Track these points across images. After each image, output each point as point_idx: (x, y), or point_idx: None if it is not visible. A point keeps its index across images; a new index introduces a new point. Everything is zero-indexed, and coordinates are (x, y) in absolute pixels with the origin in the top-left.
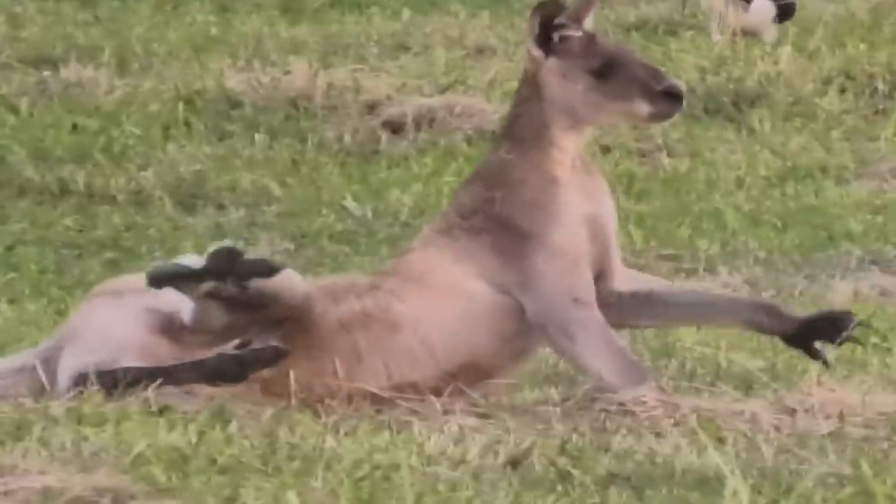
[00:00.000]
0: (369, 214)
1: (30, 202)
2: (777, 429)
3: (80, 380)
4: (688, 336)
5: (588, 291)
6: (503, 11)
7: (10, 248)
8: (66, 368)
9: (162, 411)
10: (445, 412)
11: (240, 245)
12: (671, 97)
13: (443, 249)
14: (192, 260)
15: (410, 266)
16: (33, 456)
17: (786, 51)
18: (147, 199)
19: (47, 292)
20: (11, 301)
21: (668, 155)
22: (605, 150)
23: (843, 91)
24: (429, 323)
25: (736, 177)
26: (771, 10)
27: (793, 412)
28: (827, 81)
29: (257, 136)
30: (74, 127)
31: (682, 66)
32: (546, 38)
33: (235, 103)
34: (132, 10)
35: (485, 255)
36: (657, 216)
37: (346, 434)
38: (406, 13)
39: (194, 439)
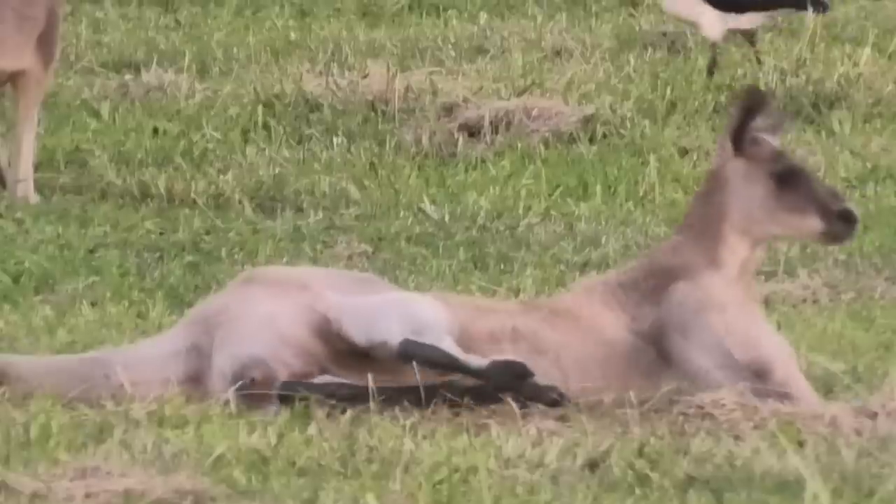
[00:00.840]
0: (447, 217)
1: (111, 206)
2: (858, 433)
3: (243, 372)
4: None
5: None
6: (580, 14)
7: (91, 251)
8: (227, 358)
9: (242, 414)
10: (523, 415)
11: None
12: (847, 220)
13: (593, 294)
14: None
15: (561, 302)
16: (115, 458)
17: (865, 52)
18: (227, 203)
19: (128, 295)
20: (93, 304)
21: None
22: (683, 152)
23: None
24: (569, 354)
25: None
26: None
27: (874, 415)
28: None
29: (335, 140)
30: (155, 131)
31: (763, 69)
32: (741, 134)
33: (314, 107)
34: (212, 14)
35: (633, 305)
36: None
37: (424, 437)
38: (483, 16)
39: (274, 441)
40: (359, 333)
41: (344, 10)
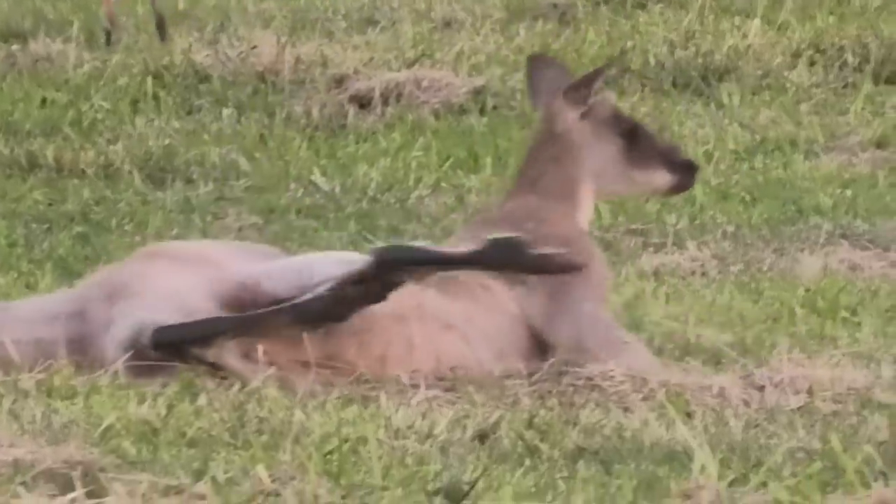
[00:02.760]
0: (337, 189)
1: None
2: (746, 403)
3: (142, 334)
4: (656, 310)
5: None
6: None
7: None
8: (127, 320)
9: (131, 384)
10: (413, 386)
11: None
12: (690, 169)
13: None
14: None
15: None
16: (4, 428)
17: (755, 24)
18: (116, 173)
19: (17, 266)
20: None
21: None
22: None
23: (812, 64)
24: (475, 329)
25: (704, 151)
26: None
27: (762, 387)
28: (796, 55)
29: (225, 111)
30: (44, 101)
31: (651, 40)
32: (586, 95)
33: (203, 77)
34: None
35: (522, 287)
36: None
37: (314, 408)
38: None
39: (164, 412)
40: (289, 289)
41: None
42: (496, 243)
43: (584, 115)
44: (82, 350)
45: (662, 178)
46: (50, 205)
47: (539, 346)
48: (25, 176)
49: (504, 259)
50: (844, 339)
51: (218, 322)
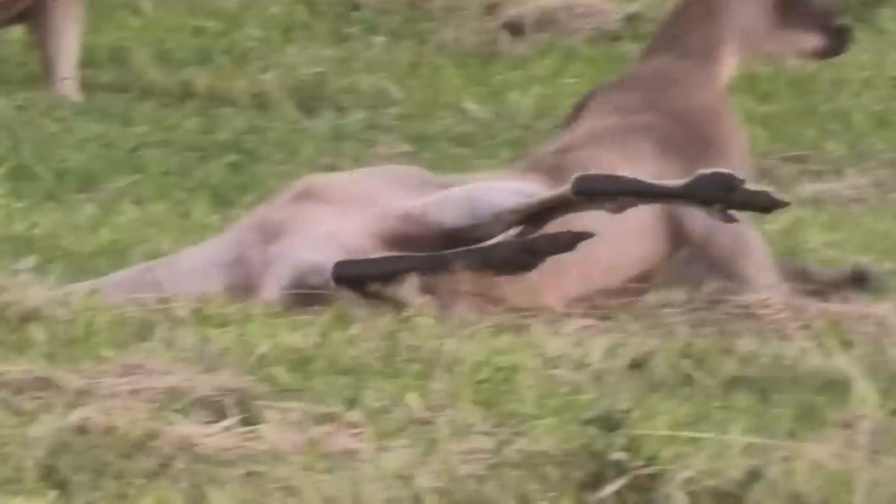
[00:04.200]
0: (489, 116)
1: (153, 104)
2: None
3: (305, 275)
4: (815, 237)
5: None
6: None
7: (134, 150)
8: (288, 262)
9: (284, 314)
10: (566, 315)
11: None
12: (842, 33)
13: (613, 151)
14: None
15: (583, 165)
16: (158, 356)
17: None
18: (268, 102)
19: (171, 194)
20: (136, 203)
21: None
22: None
23: None
24: (618, 234)
25: (863, 77)
26: None
27: None
28: None
29: (376, 39)
30: (197, 30)
31: None
32: None
33: (355, 5)
34: None
35: (659, 158)
36: (783, 117)
37: (466, 337)
38: None
39: (316, 340)
40: (461, 218)
41: None
42: (706, 178)
43: None
44: (244, 297)
45: (814, 40)
46: (203, 133)
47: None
48: (179, 105)
49: (714, 195)
50: None
51: (400, 260)
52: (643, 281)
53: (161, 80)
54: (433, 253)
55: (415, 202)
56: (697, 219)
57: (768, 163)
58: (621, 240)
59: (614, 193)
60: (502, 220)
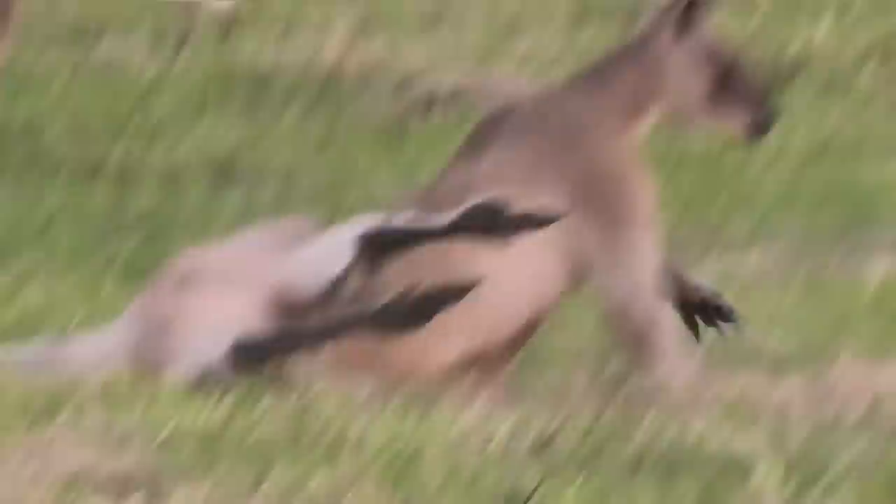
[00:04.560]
0: (401, 191)
1: (65, 179)
2: (809, 411)
3: (210, 374)
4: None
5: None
6: None
7: (44, 226)
8: (190, 363)
9: (190, 393)
10: (473, 394)
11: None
12: (768, 121)
13: (512, 190)
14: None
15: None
16: (63, 437)
17: (823, 23)
18: (180, 177)
19: (81, 271)
20: (45, 279)
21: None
22: None
23: (883, 64)
24: (508, 283)
25: (770, 154)
26: None
27: (825, 394)
28: (867, 55)
29: (289, 113)
30: (110, 104)
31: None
32: (691, 14)
33: (268, 79)
34: None
35: (565, 204)
36: (690, 192)
37: (373, 416)
38: None
39: (223, 420)
40: (318, 285)
41: None
42: (471, 210)
43: (681, 37)
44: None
45: (743, 119)
46: (114, 208)
47: (580, 270)
48: (91, 179)
49: (484, 225)
50: None
51: (290, 335)
52: (532, 329)
53: (73, 154)
54: (325, 324)
55: (283, 270)
56: (616, 289)
57: (675, 238)
58: (512, 289)
59: (391, 243)
60: (339, 287)
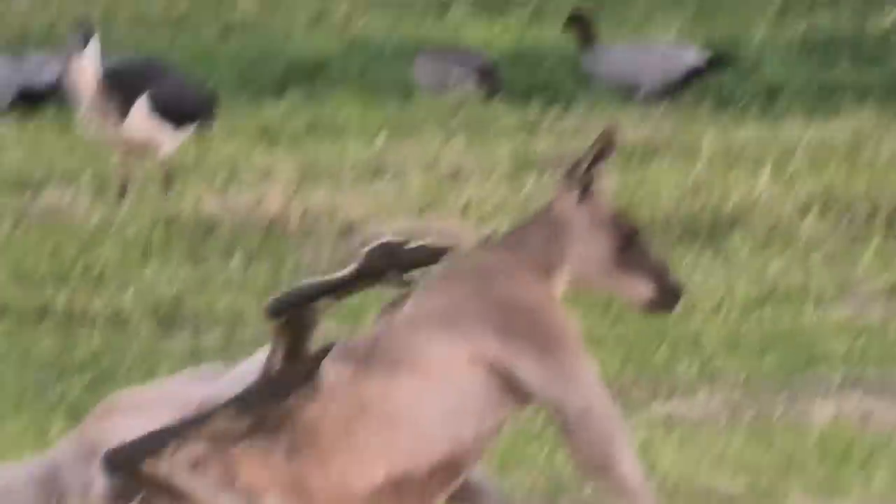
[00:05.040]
0: (346, 334)
1: (11, 323)
2: None
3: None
4: (667, 458)
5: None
6: (477, 136)
7: None
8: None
9: None
10: None
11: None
12: (674, 293)
13: (431, 330)
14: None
15: (398, 344)
16: None
17: (764, 175)
18: (126, 321)
19: (27, 412)
20: None
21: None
22: None
23: (822, 215)
24: (424, 418)
25: (714, 301)
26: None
27: None
28: (806, 206)
29: (234, 259)
30: (55, 249)
31: (660, 190)
32: (588, 179)
33: (212, 226)
34: None
35: (494, 337)
36: (634, 339)
37: None
38: (381, 138)
39: None
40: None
41: (240, 131)
42: (369, 252)
43: (583, 201)
44: None
45: (645, 290)
46: (60, 352)
47: (513, 398)
48: (36, 323)
49: (384, 263)
50: (857, 489)
51: (162, 433)
52: (464, 459)
53: (18, 299)
54: (192, 416)
55: (205, 393)
56: (573, 399)
57: (619, 384)
58: (432, 414)
59: (301, 301)
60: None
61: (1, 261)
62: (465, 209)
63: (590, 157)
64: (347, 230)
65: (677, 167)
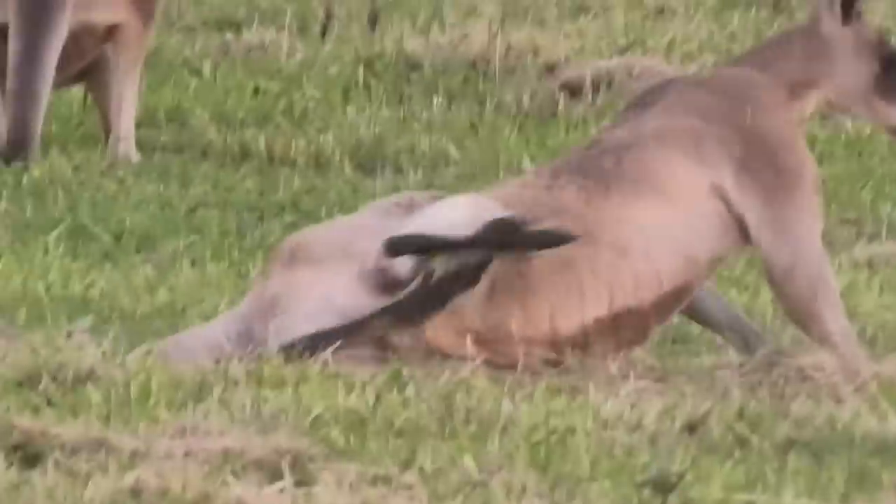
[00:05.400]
0: None
1: (212, 165)
2: None
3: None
4: (869, 301)
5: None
6: None
7: (192, 211)
8: (286, 336)
9: (340, 374)
10: (621, 376)
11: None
12: None
13: (677, 151)
14: (442, 228)
15: (643, 164)
16: (214, 417)
17: None
18: (326, 162)
19: (229, 255)
20: (194, 263)
21: (852, 118)
22: None
23: None
24: (661, 245)
25: None
26: None
27: None
28: None
29: (436, 99)
30: (256, 90)
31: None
32: (849, 3)
33: (414, 66)
34: None
35: (731, 169)
36: (839, 179)
37: (522, 399)
38: None
39: (372, 402)
40: (410, 263)
41: None
42: (489, 225)
43: (848, 23)
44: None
45: None
46: (261, 194)
47: (738, 235)
48: (237, 165)
49: (503, 240)
50: None
51: (319, 336)
52: (686, 291)
53: (219, 141)
54: (351, 322)
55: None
56: (782, 253)
57: (824, 224)
58: (673, 242)
59: (409, 249)
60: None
61: (202, 101)
62: (670, 47)
63: None
64: (551, 69)
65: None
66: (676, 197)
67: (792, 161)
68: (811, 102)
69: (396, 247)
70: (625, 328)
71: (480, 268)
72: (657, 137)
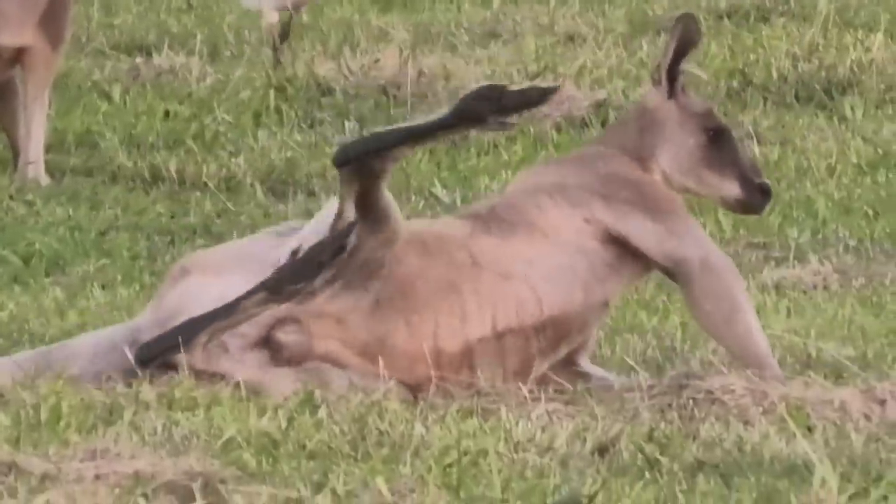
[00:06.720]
0: (458, 201)
1: (122, 188)
2: (867, 418)
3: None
4: (777, 324)
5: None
6: None
7: (102, 234)
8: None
9: (252, 397)
10: (532, 399)
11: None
12: (763, 193)
13: (545, 197)
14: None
15: (516, 208)
16: (125, 440)
17: (878, 38)
18: (238, 186)
19: (139, 278)
20: (104, 287)
21: (759, 143)
22: None
23: None
24: (539, 272)
25: (827, 164)
26: None
27: (883, 401)
28: None
29: (347, 124)
30: (167, 114)
31: (774, 54)
32: (673, 74)
33: (326, 91)
34: None
35: (600, 203)
36: None
37: (434, 421)
38: (496, 1)
39: (284, 424)
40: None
41: None
42: (470, 97)
43: (672, 97)
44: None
45: (732, 189)
46: (172, 217)
47: (628, 265)
48: (148, 188)
49: (484, 109)
50: None
51: (194, 322)
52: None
53: (130, 165)
54: (224, 304)
55: (280, 253)
56: (690, 250)
57: (731, 249)
58: (549, 271)
59: (375, 150)
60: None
61: (112, 125)
62: (580, 73)
63: (671, 52)
64: (460, 92)
65: (791, 29)
66: (553, 233)
67: (656, 190)
68: (658, 175)
69: (347, 153)
70: (509, 352)
71: (345, 236)
72: (525, 192)
